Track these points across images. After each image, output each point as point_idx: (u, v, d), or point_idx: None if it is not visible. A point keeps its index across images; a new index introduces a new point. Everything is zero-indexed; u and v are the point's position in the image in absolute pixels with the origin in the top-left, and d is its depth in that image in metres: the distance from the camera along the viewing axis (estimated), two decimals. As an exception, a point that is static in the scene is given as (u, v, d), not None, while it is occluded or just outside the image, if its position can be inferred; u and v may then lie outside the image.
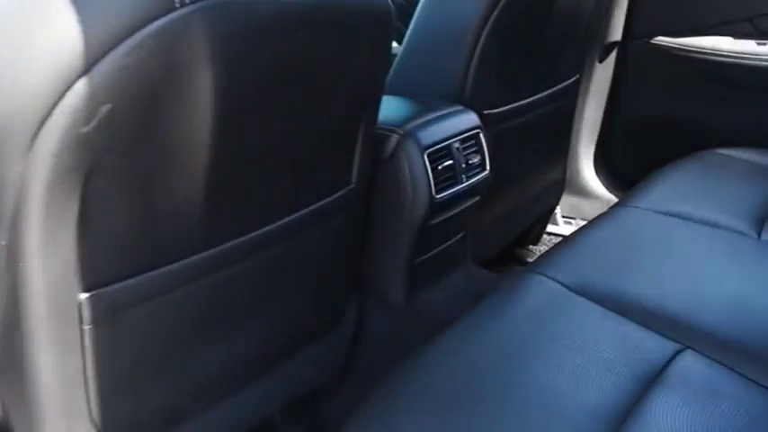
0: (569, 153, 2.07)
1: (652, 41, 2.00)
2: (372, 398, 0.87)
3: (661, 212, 1.37)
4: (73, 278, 0.76)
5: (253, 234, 0.95)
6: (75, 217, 0.73)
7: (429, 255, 1.39)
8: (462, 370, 0.90)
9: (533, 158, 1.87)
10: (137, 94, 0.70)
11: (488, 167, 1.44)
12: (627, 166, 2.14)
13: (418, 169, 1.25)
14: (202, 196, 0.83)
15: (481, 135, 1.42)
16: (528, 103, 1.68)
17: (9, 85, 0.68)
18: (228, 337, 1.00)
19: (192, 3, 0.71)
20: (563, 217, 2.21)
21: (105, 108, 0.70)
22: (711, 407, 0.83)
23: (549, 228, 2.17)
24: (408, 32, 1.52)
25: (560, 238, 2.20)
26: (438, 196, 1.29)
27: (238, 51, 0.77)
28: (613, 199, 2.14)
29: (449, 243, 1.44)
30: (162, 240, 0.82)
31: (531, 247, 2.15)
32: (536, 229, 2.11)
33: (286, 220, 1.00)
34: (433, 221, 1.32)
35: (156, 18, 0.69)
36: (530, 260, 2.11)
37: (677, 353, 0.93)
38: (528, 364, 0.91)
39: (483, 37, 1.43)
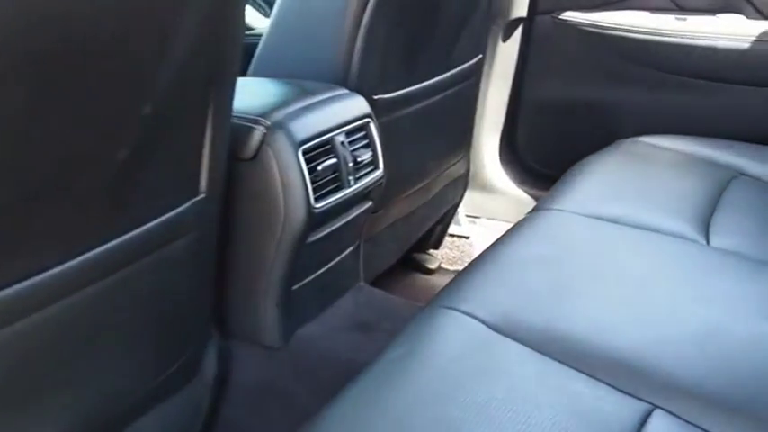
0: (473, 144, 1.83)
1: (560, 17, 1.78)
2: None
3: (590, 216, 1.13)
4: None
5: (52, 272, 0.65)
6: None
7: (310, 278, 1.10)
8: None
9: (433, 151, 1.61)
10: None
11: (381, 165, 1.16)
12: (536, 157, 1.92)
13: (291, 171, 0.96)
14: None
15: (372, 125, 1.14)
16: (425, 87, 1.42)
17: None
18: (34, 412, 0.68)
19: None
20: (467, 216, 1.97)
21: None
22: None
23: (452, 228, 1.92)
24: (278, 2, 1.23)
25: (464, 240, 1.96)
26: (318, 205, 1.00)
27: None
28: (522, 195, 1.92)
29: (335, 261, 1.16)
30: None
31: (432, 251, 1.89)
32: (437, 230, 1.86)
33: (102, 249, 0.70)
34: (314, 237, 1.03)
35: None
36: (431, 266, 1.86)
37: (646, 416, 0.68)
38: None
39: (370, 6, 1.16)
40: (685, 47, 1.66)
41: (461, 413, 0.66)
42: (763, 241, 1.15)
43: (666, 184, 1.29)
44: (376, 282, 1.49)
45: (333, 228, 1.07)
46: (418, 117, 1.44)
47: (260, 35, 1.26)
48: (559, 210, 1.15)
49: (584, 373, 0.73)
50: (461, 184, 1.80)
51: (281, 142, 0.96)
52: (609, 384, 0.72)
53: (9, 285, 0.60)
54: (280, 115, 0.99)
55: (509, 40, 1.83)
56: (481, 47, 1.68)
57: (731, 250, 1.09)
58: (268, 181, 0.97)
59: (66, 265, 0.66)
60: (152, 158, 0.72)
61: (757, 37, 1.60)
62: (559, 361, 0.75)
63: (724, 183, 1.35)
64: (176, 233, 0.79)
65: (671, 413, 0.69)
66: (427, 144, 1.56)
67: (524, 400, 0.68)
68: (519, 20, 1.82)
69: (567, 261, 0.97)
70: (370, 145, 1.13)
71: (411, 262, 1.84)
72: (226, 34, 0.74)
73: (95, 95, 0.60)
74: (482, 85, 1.78)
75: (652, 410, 0.70)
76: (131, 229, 0.72)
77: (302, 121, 1.00)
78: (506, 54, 1.84)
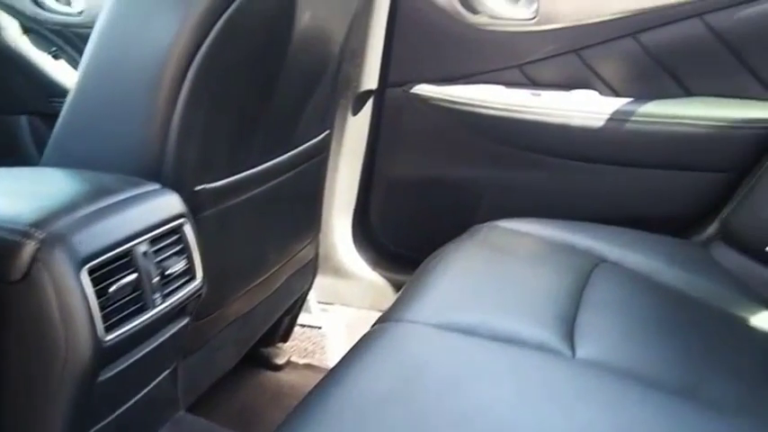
0: (323, 226, 1.68)
1: (412, 90, 1.69)
2: None
3: (444, 328, 0.99)
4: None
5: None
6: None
7: (109, 419, 0.89)
8: None
9: (276, 239, 1.45)
10: None
11: (200, 274, 0.98)
12: (392, 237, 1.83)
13: (72, 296, 0.77)
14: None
15: (187, 227, 0.96)
16: (262, 171, 1.26)
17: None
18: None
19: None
20: (319, 303, 1.81)
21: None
22: None
23: (302, 318, 1.75)
24: (78, 75, 1.03)
25: (316, 330, 1.79)
26: (109, 337, 0.80)
27: None
28: (378, 279, 1.79)
29: (144, 393, 0.96)
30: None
31: (280, 345, 1.71)
32: (285, 322, 1.68)
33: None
34: (107, 374, 0.83)
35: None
36: (278, 362, 1.68)
37: None
38: None
39: (189, 78, 0.98)
40: (540, 124, 1.60)
41: None
42: (627, 346, 1.05)
43: (526, 280, 1.18)
44: (208, 391, 1.30)
45: (135, 357, 0.88)
46: (255, 204, 1.27)
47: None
48: (409, 321, 1.00)
49: None
50: (310, 270, 1.65)
51: (59, 260, 0.76)
52: None
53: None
54: (59, 225, 0.79)
55: (359, 114, 1.73)
56: (328, 122, 1.54)
57: (597, 361, 0.98)
58: (42, 308, 0.76)
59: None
60: None
61: (610, 115, 1.55)
62: None
63: (586, 273, 1.26)
64: None
65: None
66: (268, 232, 1.40)
67: None
68: (369, 92, 1.73)
69: (417, 397, 0.81)
70: (185, 251, 0.95)
71: (256, 357, 1.66)
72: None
73: None
74: (331, 163, 1.64)
75: None
76: None
77: (90, 230, 0.81)
78: (356, 128, 1.74)
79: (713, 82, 1.55)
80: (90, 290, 0.78)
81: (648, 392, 0.92)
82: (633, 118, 1.55)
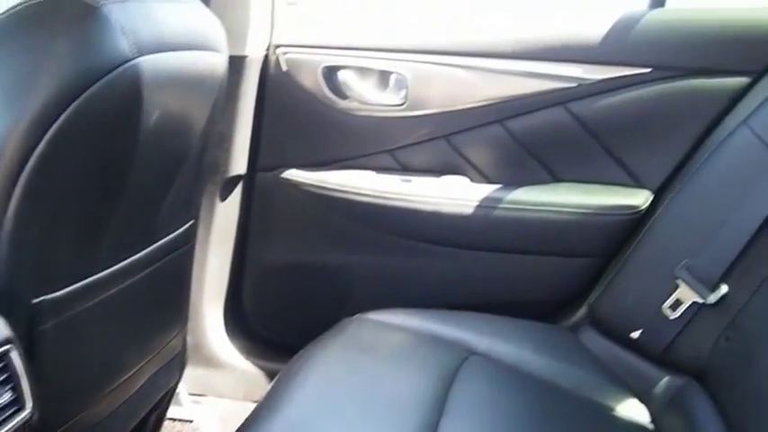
0: (193, 315, 1.63)
1: (283, 175, 1.68)
2: None
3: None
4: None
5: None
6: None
7: None
8: None
9: (137, 337, 1.38)
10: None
11: (29, 402, 0.90)
12: (266, 325, 1.81)
13: None
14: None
15: (14, 353, 0.89)
16: (119, 270, 1.20)
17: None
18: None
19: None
20: (190, 395, 1.74)
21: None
22: None
23: (172, 412, 1.68)
24: None
25: (187, 424, 1.73)
26: None
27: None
28: (251, 368, 1.76)
29: None
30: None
31: (147, 441, 1.63)
32: (152, 419, 1.60)
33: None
34: None
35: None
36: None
37: None
38: None
39: (18, 190, 0.92)
40: (411, 211, 1.61)
41: None
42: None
43: (390, 385, 1.17)
44: None
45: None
46: (109, 306, 1.20)
47: None
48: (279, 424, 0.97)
49: None
50: (178, 363, 1.58)
51: None
52: None
53: None
54: None
55: (228, 200, 1.70)
56: (193, 211, 1.50)
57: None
58: None
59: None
60: None
61: (479, 201, 1.58)
62: None
63: (453, 369, 1.26)
64: None
65: None
66: (127, 332, 1.33)
67: None
68: (238, 177, 1.70)
69: None
70: (11, 380, 0.88)
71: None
72: None
73: None
74: (199, 251, 1.59)
75: None
76: None
77: None
78: (225, 215, 1.71)
79: (578, 168, 1.60)
80: None
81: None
82: (502, 204, 1.58)
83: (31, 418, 0.91)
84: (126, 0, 1.03)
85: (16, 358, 0.89)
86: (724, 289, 1.32)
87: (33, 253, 0.98)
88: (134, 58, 1.01)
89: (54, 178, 0.96)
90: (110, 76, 0.98)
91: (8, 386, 0.87)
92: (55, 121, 0.93)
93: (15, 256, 0.95)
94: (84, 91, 0.95)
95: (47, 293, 1.02)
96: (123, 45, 0.99)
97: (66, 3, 0.98)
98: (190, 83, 1.23)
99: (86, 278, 1.12)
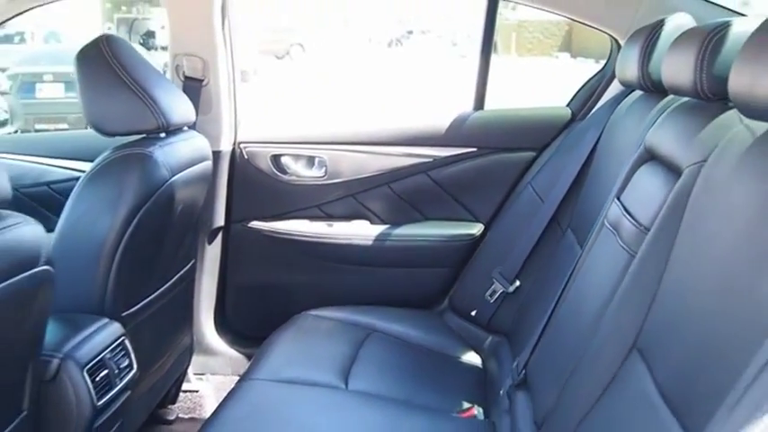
0: (194, 321, 2.45)
1: (249, 225, 2.49)
2: None
3: (277, 381, 1.81)
4: None
5: None
6: None
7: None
8: None
9: (168, 335, 2.20)
10: None
11: (135, 366, 1.74)
12: (243, 325, 2.60)
13: (81, 387, 1.52)
14: None
15: (126, 341, 1.73)
16: (159, 294, 2.03)
17: None
18: None
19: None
20: (195, 374, 2.55)
21: None
22: None
23: (184, 386, 2.49)
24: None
25: (195, 393, 2.53)
26: (99, 403, 1.56)
27: None
28: (235, 354, 2.55)
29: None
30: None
31: (170, 406, 2.44)
32: (172, 390, 2.42)
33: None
34: (98, 423, 1.58)
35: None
36: (170, 417, 2.42)
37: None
38: None
39: (119, 252, 1.75)
40: (334, 244, 2.45)
41: None
42: (378, 381, 1.90)
43: (324, 348, 2.01)
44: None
45: (109, 413, 1.62)
46: (154, 316, 2.03)
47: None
48: (257, 379, 1.82)
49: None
50: (188, 352, 2.40)
51: (72, 368, 1.52)
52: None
53: None
54: (68, 348, 1.54)
55: (213, 243, 2.49)
56: (193, 252, 2.33)
57: (360, 390, 1.83)
58: (64, 396, 1.51)
59: None
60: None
61: (376, 236, 2.44)
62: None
63: (361, 340, 2.10)
64: None
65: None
66: (162, 332, 2.15)
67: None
68: (219, 228, 2.49)
69: (264, 418, 1.63)
70: (127, 354, 1.71)
71: (155, 416, 2.38)
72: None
73: None
74: (197, 278, 2.42)
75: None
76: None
77: (83, 349, 1.56)
78: (212, 255, 2.49)
79: (437, 210, 2.47)
80: (88, 380, 1.54)
81: (382, 403, 1.77)
82: (391, 236, 2.44)
83: (135, 375, 1.75)
84: (163, 146, 1.88)
85: (127, 343, 1.73)
86: (517, 283, 2.23)
87: (123, 287, 1.81)
88: (170, 179, 1.86)
89: (134, 247, 1.79)
90: (160, 190, 1.82)
91: (126, 357, 1.71)
92: (134, 219, 1.77)
93: (116, 291, 1.78)
94: (148, 200, 1.79)
95: (128, 309, 1.86)
96: (164, 173, 1.84)
97: (135, 154, 1.81)
98: (197, 180, 2.07)
99: (144, 300, 1.96)
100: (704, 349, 1.01)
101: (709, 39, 1.28)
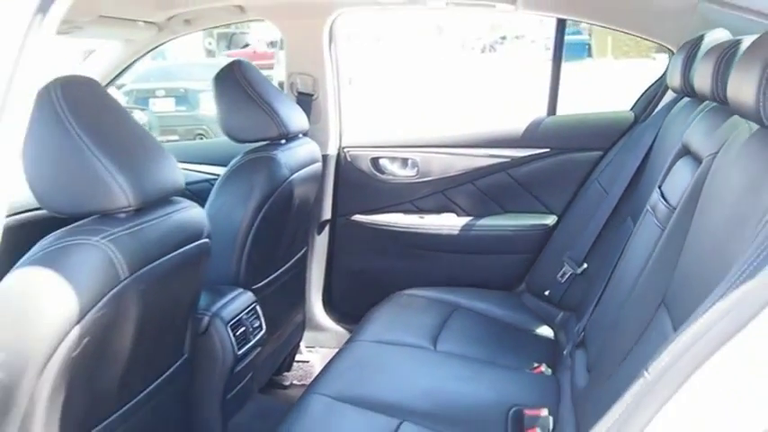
0: (305, 301, 2.86)
1: (352, 218, 2.89)
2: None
3: (378, 342, 2.19)
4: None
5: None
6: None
7: (235, 391, 2.05)
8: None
9: (284, 311, 2.62)
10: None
11: (264, 327, 2.16)
12: (347, 305, 2.99)
13: (225, 339, 1.94)
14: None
15: (257, 306, 2.14)
16: (277, 275, 2.44)
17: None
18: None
19: (126, 277, 1.36)
20: (306, 347, 2.96)
21: (85, 340, 1.33)
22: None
23: (297, 357, 2.91)
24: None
25: (306, 363, 2.95)
26: (239, 352, 1.98)
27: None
28: (340, 330, 2.94)
29: (245, 381, 2.12)
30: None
31: (285, 373, 2.86)
32: (287, 360, 2.84)
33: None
34: (237, 368, 2.00)
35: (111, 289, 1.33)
36: (285, 383, 2.84)
37: (399, 425, 1.72)
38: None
39: (250, 237, 2.17)
40: (426, 234, 2.82)
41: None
42: (464, 345, 2.25)
43: (417, 318, 2.37)
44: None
45: (244, 363, 2.04)
46: (279, 291, 2.45)
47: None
48: (361, 341, 2.20)
49: (374, 411, 1.76)
50: (301, 327, 2.82)
51: (219, 324, 1.94)
52: (384, 414, 1.74)
53: None
54: (215, 309, 1.97)
55: (322, 234, 2.90)
56: (306, 241, 2.74)
57: (447, 351, 2.19)
58: (213, 346, 1.93)
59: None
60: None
61: (462, 226, 2.79)
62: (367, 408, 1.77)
63: (448, 314, 2.45)
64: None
65: (412, 423, 1.73)
66: (283, 306, 2.57)
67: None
68: (327, 221, 2.89)
69: (369, 367, 2.01)
70: (258, 317, 2.13)
71: (272, 382, 2.81)
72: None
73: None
74: (308, 264, 2.83)
75: (402, 422, 1.73)
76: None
77: (226, 310, 1.99)
78: (321, 244, 2.90)
79: (516, 204, 2.80)
80: (230, 333, 1.96)
81: (465, 361, 2.12)
82: (475, 227, 2.79)
83: (264, 333, 2.16)
84: (284, 150, 2.30)
85: (258, 309, 2.15)
86: (585, 265, 2.54)
87: (252, 266, 2.23)
88: (290, 177, 2.27)
89: (262, 233, 2.21)
90: (282, 186, 2.24)
91: (257, 319, 2.13)
92: (261, 210, 2.19)
93: (247, 268, 2.20)
94: (273, 194, 2.21)
95: (256, 284, 2.28)
96: (285, 172, 2.26)
97: (262, 157, 2.23)
98: (310, 179, 2.46)
99: (268, 277, 2.38)
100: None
101: (724, 53, 1.59)
